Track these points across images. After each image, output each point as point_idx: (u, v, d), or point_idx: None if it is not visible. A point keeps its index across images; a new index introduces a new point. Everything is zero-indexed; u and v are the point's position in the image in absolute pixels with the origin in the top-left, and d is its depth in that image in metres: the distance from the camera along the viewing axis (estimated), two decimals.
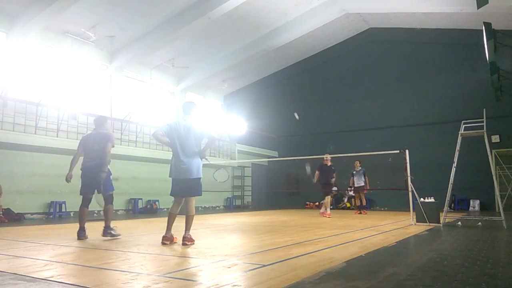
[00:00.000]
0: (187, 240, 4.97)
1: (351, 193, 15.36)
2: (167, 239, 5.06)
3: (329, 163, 11.54)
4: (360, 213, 12.74)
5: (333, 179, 11.55)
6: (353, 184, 13.45)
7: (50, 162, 11.40)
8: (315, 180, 11.39)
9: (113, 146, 5.98)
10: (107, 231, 5.76)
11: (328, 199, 11.38)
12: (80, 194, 5.89)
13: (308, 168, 11.92)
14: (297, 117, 17.51)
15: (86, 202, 5.89)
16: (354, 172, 13.36)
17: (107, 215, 5.87)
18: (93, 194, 5.93)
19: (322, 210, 11.40)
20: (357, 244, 5.08)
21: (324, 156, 11.67)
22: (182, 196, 5.20)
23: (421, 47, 16.90)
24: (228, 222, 9.46)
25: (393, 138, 16.28)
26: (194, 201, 5.22)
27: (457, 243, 5.32)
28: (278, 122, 19.87)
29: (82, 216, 5.79)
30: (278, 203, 19.16)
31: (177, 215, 5.23)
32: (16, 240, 5.66)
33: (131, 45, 14.37)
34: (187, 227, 5.05)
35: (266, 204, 19.71)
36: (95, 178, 5.71)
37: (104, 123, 6.14)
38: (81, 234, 5.68)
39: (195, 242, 5.08)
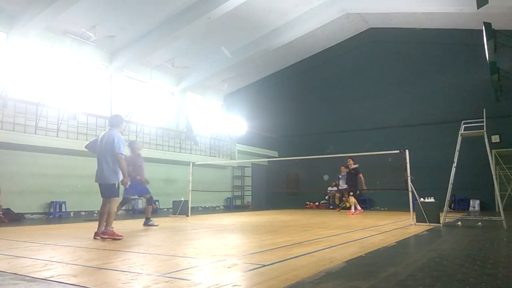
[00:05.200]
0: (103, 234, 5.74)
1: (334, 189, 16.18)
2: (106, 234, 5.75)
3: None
4: (339, 210, 13.63)
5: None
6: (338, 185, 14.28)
7: (50, 162, 11.40)
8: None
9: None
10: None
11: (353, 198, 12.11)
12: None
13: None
14: (226, 52, 16.23)
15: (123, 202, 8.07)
16: (340, 176, 13.59)
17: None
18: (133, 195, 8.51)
19: (353, 210, 11.92)
20: (357, 244, 5.08)
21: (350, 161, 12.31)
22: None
23: (421, 47, 16.89)
24: (228, 222, 9.46)
25: (393, 138, 16.27)
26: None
27: (457, 243, 5.32)
28: (278, 122, 19.87)
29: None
30: (278, 203, 19.15)
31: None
32: (16, 240, 5.65)
33: (131, 45, 14.37)
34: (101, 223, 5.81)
35: (266, 204, 19.70)
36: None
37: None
38: None
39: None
